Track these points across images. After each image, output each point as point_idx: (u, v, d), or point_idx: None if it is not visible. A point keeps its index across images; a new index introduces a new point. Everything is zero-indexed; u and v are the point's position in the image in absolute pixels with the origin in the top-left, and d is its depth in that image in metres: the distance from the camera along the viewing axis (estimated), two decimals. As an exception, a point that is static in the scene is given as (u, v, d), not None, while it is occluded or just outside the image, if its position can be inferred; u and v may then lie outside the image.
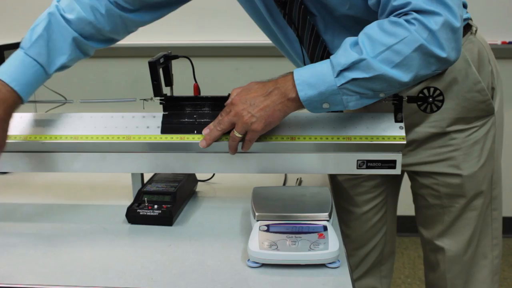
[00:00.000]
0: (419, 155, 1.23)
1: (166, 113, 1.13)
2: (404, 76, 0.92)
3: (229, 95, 1.06)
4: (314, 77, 0.96)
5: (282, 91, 0.98)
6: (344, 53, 0.94)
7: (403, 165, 1.25)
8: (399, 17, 0.92)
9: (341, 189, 1.40)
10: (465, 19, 1.15)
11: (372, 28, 0.94)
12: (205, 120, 1.10)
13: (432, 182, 1.24)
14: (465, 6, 1.14)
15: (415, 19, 0.90)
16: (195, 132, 1.09)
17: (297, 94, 0.97)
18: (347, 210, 1.40)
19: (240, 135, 1.02)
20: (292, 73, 0.99)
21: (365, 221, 1.40)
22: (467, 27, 1.17)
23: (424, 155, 1.22)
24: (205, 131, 1.06)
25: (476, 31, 1.19)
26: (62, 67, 1.15)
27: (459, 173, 1.21)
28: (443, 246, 1.28)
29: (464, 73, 1.15)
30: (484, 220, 1.27)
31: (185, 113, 1.12)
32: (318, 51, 1.16)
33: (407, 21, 0.91)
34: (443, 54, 0.91)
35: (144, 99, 1.14)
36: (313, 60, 1.18)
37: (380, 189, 1.37)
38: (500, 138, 1.26)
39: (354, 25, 1.05)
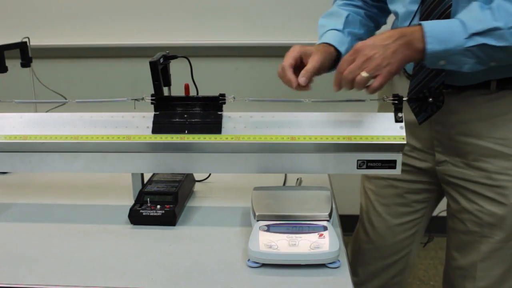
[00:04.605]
0: (472, 173, 1.18)
1: (157, 113, 1.13)
2: None
3: (220, 96, 1.09)
4: (445, 33, 0.98)
5: (408, 40, 0.99)
6: (479, 17, 0.97)
7: (451, 176, 1.22)
8: None
9: (380, 194, 1.37)
10: None
11: (507, 1, 0.96)
12: (195, 120, 1.10)
13: (476, 208, 1.19)
14: None
15: None
16: (186, 132, 1.09)
17: (424, 46, 0.98)
18: (381, 217, 1.37)
19: (367, 75, 0.99)
20: (420, 25, 0.99)
21: (395, 233, 1.37)
22: None
23: (476, 174, 1.18)
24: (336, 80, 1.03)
25: None
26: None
27: (506, 203, 1.15)
28: (476, 275, 1.23)
29: None
30: None
31: (175, 113, 1.12)
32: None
33: None
34: None
35: (135, 99, 1.14)
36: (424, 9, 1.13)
37: (420, 206, 1.35)
38: None
39: None
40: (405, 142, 1.05)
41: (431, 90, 1.06)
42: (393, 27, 1.26)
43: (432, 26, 0.99)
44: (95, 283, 0.91)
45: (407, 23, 1.15)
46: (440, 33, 0.98)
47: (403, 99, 1.07)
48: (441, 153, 1.23)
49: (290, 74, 1.09)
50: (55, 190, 1.33)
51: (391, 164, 1.07)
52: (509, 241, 1.19)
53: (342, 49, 1.19)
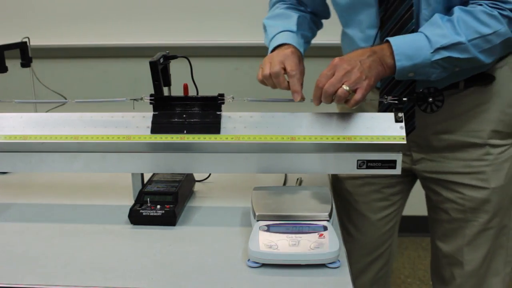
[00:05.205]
0: (450, 164, 1.22)
1: (156, 113, 1.13)
2: (487, 59, 1.06)
3: (219, 96, 1.10)
4: (411, 49, 1.03)
5: (379, 57, 1.04)
6: (442, 32, 1.02)
7: (430, 172, 1.26)
8: (493, 9, 1.02)
9: (357, 193, 1.38)
10: None
11: (467, 15, 1.03)
12: (194, 120, 1.10)
13: (458, 196, 1.23)
14: None
15: (506, 16, 1.02)
16: (185, 132, 1.09)
17: (394, 63, 1.03)
18: (362, 215, 1.39)
19: (348, 88, 1.01)
20: (388, 42, 1.05)
21: (378, 228, 1.39)
22: None
23: (455, 165, 1.22)
24: (316, 97, 1.04)
25: None
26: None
27: (487, 187, 1.20)
28: (463, 260, 1.27)
29: (507, 88, 1.18)
30: (500, 237, 1.26)
31: (174, 113, 1.12)
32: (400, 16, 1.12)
33: (501, 15, 1.02)
34: None
35: (134, 99, 1.14)
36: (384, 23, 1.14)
37: (397, 198, 1.37)
38: None
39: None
40: (405, 142, 1.05)
41: (430, 90, 1.06)
42: (346, 43, 1.28)
43: (399, 43, 1.04)
44: (95, 283, 0.90)
45: (369, 44, 1.17)
46: (408, 50, 1.03)
47: (404, 99, 1.07)
48: (417, 152, 1.26)
49: (299, 86, 1.08)
50: (55, 190, 1.33)
51: (391, 164, 1.07)
52: (491, 220, 1.23)
53: (301, 50, 1.20)
